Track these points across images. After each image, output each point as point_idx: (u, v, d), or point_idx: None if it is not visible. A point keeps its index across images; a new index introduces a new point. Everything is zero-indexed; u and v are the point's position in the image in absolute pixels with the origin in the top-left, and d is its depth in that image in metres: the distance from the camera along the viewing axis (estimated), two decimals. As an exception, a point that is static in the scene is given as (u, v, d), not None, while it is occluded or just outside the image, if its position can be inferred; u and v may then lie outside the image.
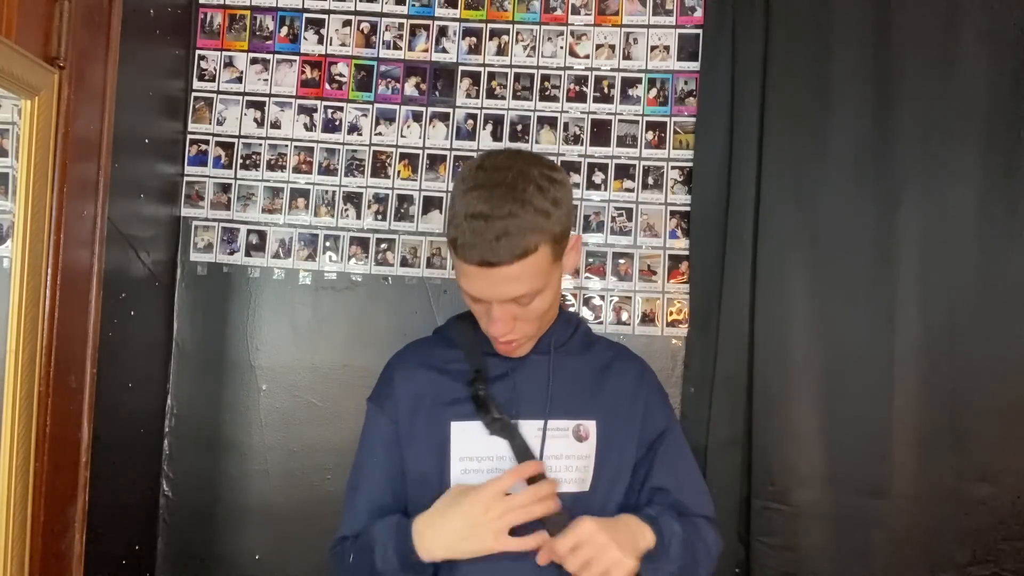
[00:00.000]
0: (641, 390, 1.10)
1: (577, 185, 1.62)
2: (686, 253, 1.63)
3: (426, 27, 1.67)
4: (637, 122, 1.65)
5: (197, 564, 1.62)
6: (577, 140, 1.64)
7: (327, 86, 1.67)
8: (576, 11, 1.66)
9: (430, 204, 1.65)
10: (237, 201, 1.66)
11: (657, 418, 1.10)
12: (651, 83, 1.65)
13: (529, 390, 1.04)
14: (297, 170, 1.66)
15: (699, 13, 1.64)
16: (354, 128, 1.66)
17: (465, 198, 0.95)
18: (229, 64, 1.68)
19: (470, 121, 1.66)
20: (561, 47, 1.66)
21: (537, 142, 1.65)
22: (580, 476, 1.04)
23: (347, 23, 1.67)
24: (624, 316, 1.63)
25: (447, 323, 1.17)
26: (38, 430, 1.15)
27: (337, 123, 1.67)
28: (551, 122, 1.65)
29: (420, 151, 1.66)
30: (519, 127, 1.65)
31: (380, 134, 1.66)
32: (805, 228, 1.58)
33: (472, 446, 0.97)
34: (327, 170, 1.66)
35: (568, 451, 1.03)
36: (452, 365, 1.08)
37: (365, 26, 1.67)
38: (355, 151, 1.66)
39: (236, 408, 1.65)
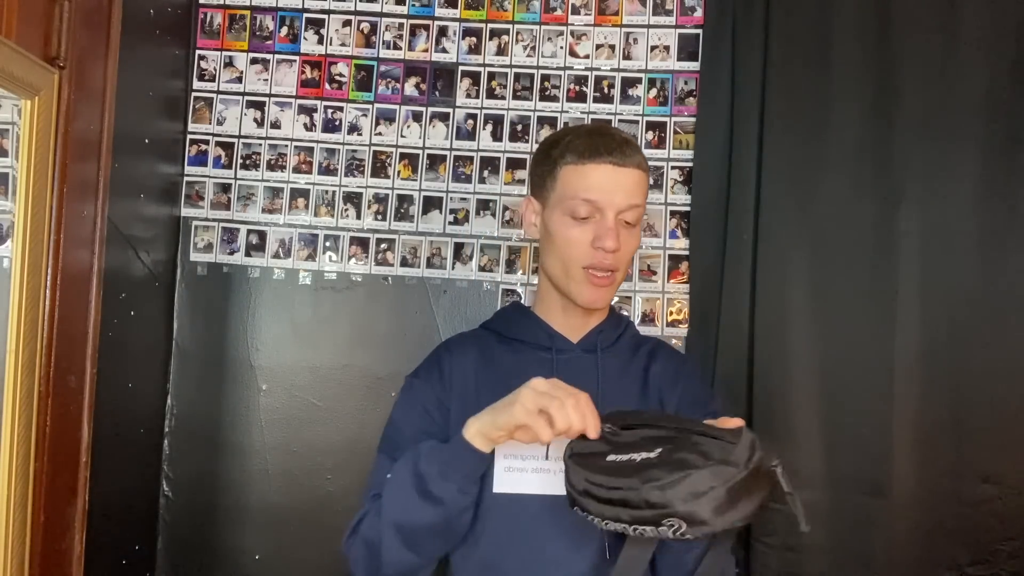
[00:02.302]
0: (678, 384, 1.11)
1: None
2: (686, 253, 1.63)
3: (426, 27, 1.67)
4: (637, 122, 1.65)
5: (197, 564, 1.62)
6: (577, 140, 1.65)
7: (327, 86, 1.67)
8: (576, 11, 1.66)
9: (430, 204, 1.66)
10: (237, 201, 1.67)
11: (695, 406, 1.09)
12: (651, 83, 1.65)
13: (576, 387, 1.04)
14: (297, 170, 1.67)
15: (699, 13, 1.64)
16: (354, 128, 1.67)
17: (579, 129, 1.07)
18: (229, 64, 1.68)
19: (470, 121, 1.66)
20: (561, 47, 1.66)
21: (537, 142, 1.63)
22: None
23: (347, 23, 1.67)
24: (624, 314, 1.62)
25: (496, 317, 1.20)
26: (38, 430, 1.15)
27: (337, 123, 1.67)
28: (551, 122, 1.65)
29: (420, 151, 1.66)
30: (519, 127, 1.66)
31: (380, 134, 1.66)
32: (805, 228, 1.57)
33: (517, 445, 0.96)
34: (327, 170, 1.66)
35: None
36: (503, 358, 1.08)
37: (365, 26, 1.67)
38: (355, 151, 1.66)
39: (236, 408, 1.64)
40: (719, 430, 0.82)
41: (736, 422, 0.83)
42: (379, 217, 1.66)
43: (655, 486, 0.76)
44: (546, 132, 1.65)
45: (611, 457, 0.84)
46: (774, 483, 0.79)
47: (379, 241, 1.65)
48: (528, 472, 1.02)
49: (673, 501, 0.75)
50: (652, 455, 0.81)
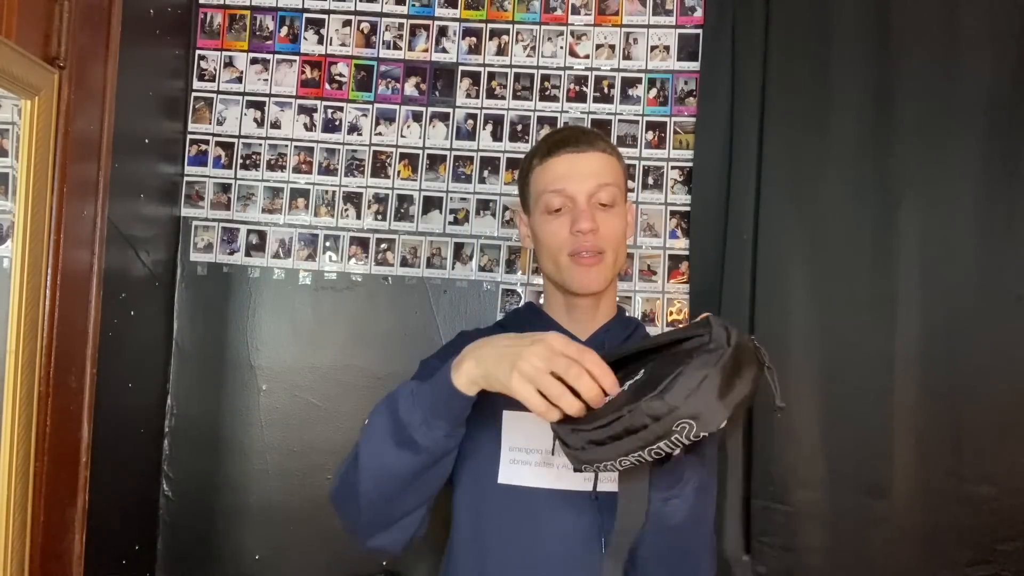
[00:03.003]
0: None
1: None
2: (686, 253, 1.63)
3: (426, 27, 1.67)
4: (637, 122, 1.65)
5: (197, 564, 1.63)
6: (577, 140, 1.65)
7: (327, 86, 1.67)
8: (576, 11, 1.66)
9: (430, 204, 1.66)
10: (237, 201, 1.67)
11: None
12: (651, 83, 1.65)
13: None
14: (297, 170, 1.67)
15: (699, 13, 1.64)
16: (354, 128, 1.67)
17: (548, 134, 1.14)
18: (229, 64, 1.68)
19: (470, 121, 1.66)
20: (561, 47, 1.66)
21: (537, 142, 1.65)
22: None
23: (347, 23, 1.67)
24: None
25: (508, 316, 1.24)
26: (38, 430, 1.15)
27: (337, 123, 1.67)
28: (551, 122, 1.66)
29: (420, 151, 1.67)
30: (519, 127, 1.66)
31: (380, 134, 1.67)
32: (805, 228, 1.57)
33: (522, 437, 0.96)
34: (327, 170, 1.67)
35: None
36: None
37: (365, 26, 1.67)
38: (355, 151, 1.67)
39: (236, 408, 1.65)
40: (688, 328, 0.82)
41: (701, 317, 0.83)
42: (379, 217, 1.66)
43: (651, 398, 0.75)
44: (546, 132, 1.63)
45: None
46: (760, 359, 0.79)
47: (379, 241, 1.66)
48: (533, 465, 1.03)
49: (674, 405, 0.74)
50: (639, 377, 0.81)
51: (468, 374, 0.86)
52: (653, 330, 1.62)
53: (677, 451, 0.78)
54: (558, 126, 1.65)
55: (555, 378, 0.79)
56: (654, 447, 0.76)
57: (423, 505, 0.98)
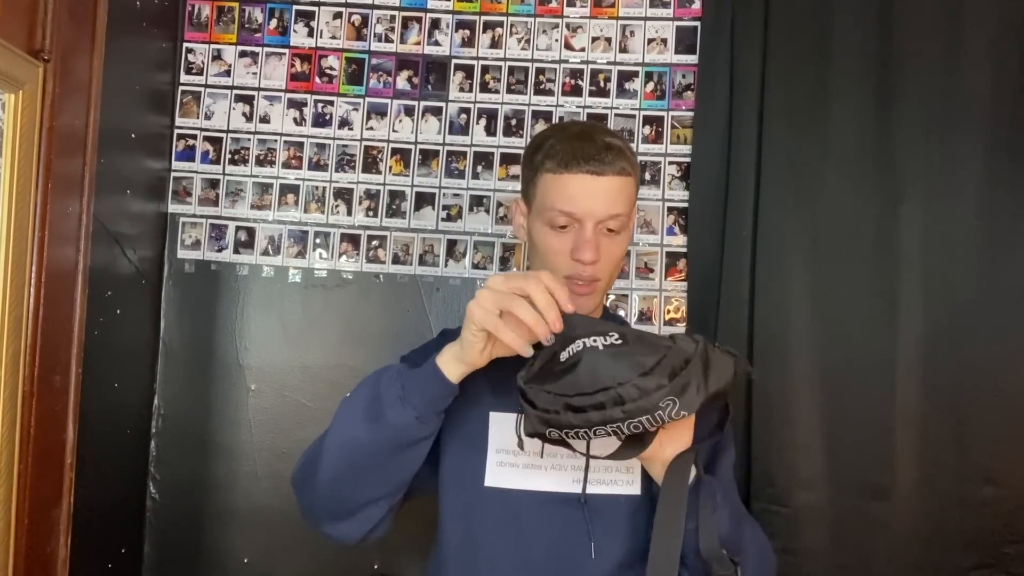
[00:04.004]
0: None
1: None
2: (684, 250, 1.65)
3: (418, 19, 1.68)
4: (634, 116, 1.66)
5: (184, 567, 1.64)
6: (573, 135, 1.66)
7: (317, 80, 1.69)
8: (572, 3, 1.67)
9: (422, 200, 1.67)
10: (225, 197, 1.68)
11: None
12: (648, 77, 1.67)
13: None
14: (286, 165, 1.68)
15: (697, 5, 1.65)
16: (345, 122, 1.68)
17: (563, 132, 1.07)
18: (217, 57, 1.69)
19: (463, 115, 1.68)
20: (556, 40, 1.67)
21: (531, 137, 1.64)
22: (628, 478, 1.05)
23: (338, 15, 1.69)
24: (621, 314, 1.63)
25: None
26: (22, 431, 1.16)
27: (327, 117, 1.68)
28: (546, 116, 1.67)
29: (412, 146, 1.68)
30: (513, 121, 1.67)
31: (371, 128, 1.68)
32: (806, 225, 1.58)
33: (510, 439, 0.96)
34: (317, 165, 1.68)
35: None
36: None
37: (356, 18, 1.69)
38: (346, 146, 1.68)
39: (224, 409, 1.66)
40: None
41: None
42: (370, 213, 1.67)
43: (642, 375, 0.82)
44: (541, 127, 1.66)
45: (564, 354, 0.86)
46: (731, 353, 0.87)
47: (370, 238, 1.67)
48: (520, 467, 1.04)
49: (662, 382, 0.81)
50: (615, 340, 0.85)
51: (449, 352, 0.92)
52: (649, 329, 1.63)
53: (654, 428, 0.85)
54: (553, 121, 1.66)
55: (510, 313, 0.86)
56: (634, 420, 0.82)
57: (385, 499, 0.98)
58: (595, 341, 0.84)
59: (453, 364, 0.92)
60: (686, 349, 0.84)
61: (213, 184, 1.68)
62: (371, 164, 1.68)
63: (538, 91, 1.67)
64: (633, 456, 0.92)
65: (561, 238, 1.04)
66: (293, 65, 1.69)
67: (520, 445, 0.92)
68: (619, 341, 0.84)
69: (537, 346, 0.89)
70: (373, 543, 1.04)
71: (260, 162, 1.68)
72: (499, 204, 1.67)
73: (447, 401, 0.94)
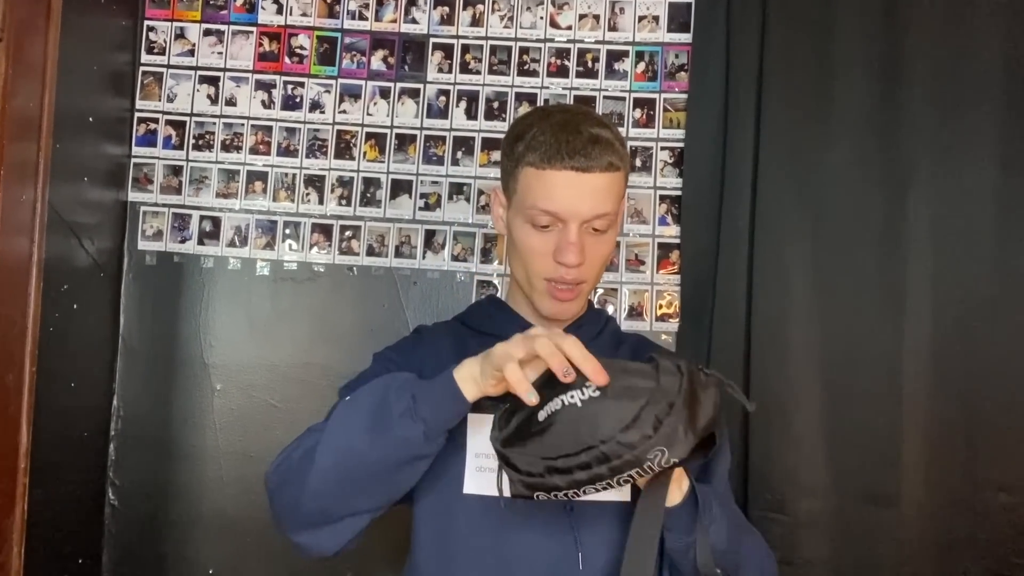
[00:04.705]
0: None
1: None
2: (677, 241, 1.68)
3: (394, -5, 1.72)
4: (623, 99, 1.71)
5: (145, 579, 1.67)
6: (559, 118, 1.70)
7: (287, 60, 1.73)
8: (558, -22, 1.71)
9: (398, 188, 1.72)
10: (189, 185, 1.72)
11: None
12: (639, 56, 1.71)
13: None
14: (254, 151, 1.72)
15: (691, -20, 1.69)
16: (316, 105, 1.72)
17: (546, 120, 1.06)
18: (180, 36, 1.74)
19: (442, 98, 1.72)
20: (541, 17, 1.72)
21: (512, 122, 1.68)
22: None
23: (309, -9, 1.73)
24: (610, 309, 1.68)
25: (468, 311, 1.24)
26: (-28, 432, 1.18)
27: (297, 100, 1.73)
28: (530, 99, 1.71)
29: (388, 130, 1.72)
30: (495, 104, 1.72)
31: (344, 112, 1.72)
32: (807, 214, 1.61)
33: (489, 442, 0.94)
34: (287, 151, 1.72)
35: None
36: (478, 350, 1.07)
37: (328, -6, 1.73)
38: (317, 130, 1.72)
39: (188, 410, 1.70)
40: (635, 363, 0.91)
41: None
42: (343, 202, 1.72)
43: (625, 429, 0.84)
44: (525, 110, 1.70)
45: (542, 414, 0.88)
46: (715, 380, 0.89)
47: (343, 228, 1.71)
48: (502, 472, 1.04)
49: (648, 433, 0.84)
50: (592, 392, 0.87)
51: (468, 370, 0.91)
52: (641, 325, 1.69)
53: (645, 477, 0.87)
54: (538, 103, 1.70)
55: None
56: (623, 475, 0.85)
57: (369, 513, 0.98)
58: (572, 397, 0.87)
59: (471, 384, 0.91)
60: (669, 389, 0.85)
61: (176, 171, 1.73)
62: (344, 150, 1.72)
63: (522, 72, 1.72)
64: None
65: (543, 238, 1.05)
66: (261, 44, 1.73)
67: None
68: (597, 393, 0.86)
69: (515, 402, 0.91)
70: (343, 555, 1.04)
71: (226, 147, 1.73)
72: (480, 192, 1.71)
73: (458, 419, 0.94)
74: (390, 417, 0.92)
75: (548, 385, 0.88)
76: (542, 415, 0.88)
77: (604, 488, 0.87)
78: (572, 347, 0.85)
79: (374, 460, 0.93)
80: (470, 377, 0.91)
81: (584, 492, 0.87)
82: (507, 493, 0.91)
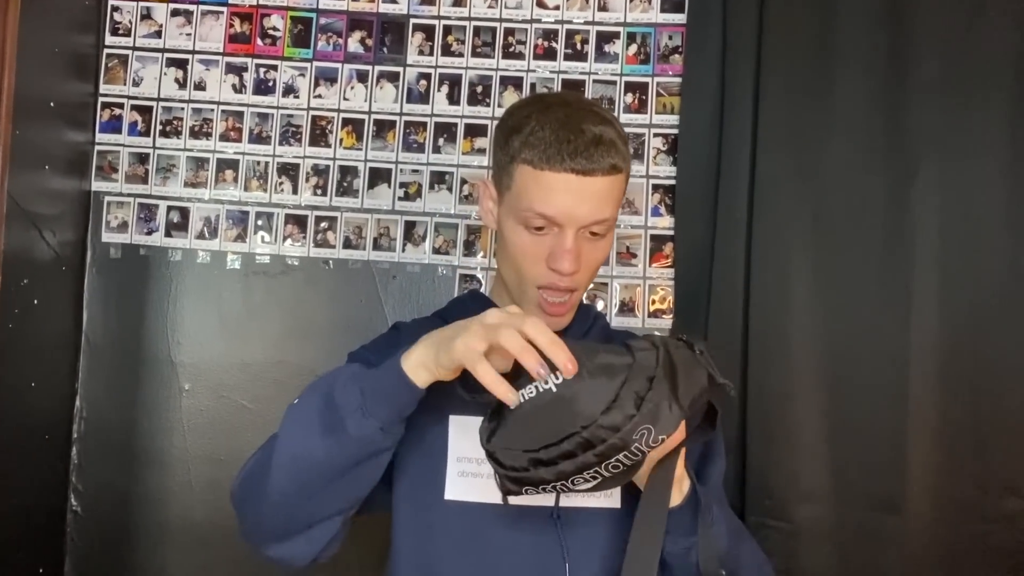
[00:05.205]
0: None
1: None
2: (671, 233, 1.71)
3: (373, -27, 1.74)
4: (614, 83, 1.73)
5: (110, 589, 1.69)
6: (546, 103, 1.72)
7: (259, 42, 1.75)
8: (545, -45, 1.73)
9: (377, 177, 1.74)
10: (156, 173, 1.75)
11: None
12: (630, 38, 1.73)
13: None
14: (225, 138, 1.75)
15: (686, -43, 1.71)
16: (290, 90, 1.75)
17: (546, 115, 1.05)
18: (147, 16, 1.76)
19: (423, 82, 1.74)
20: (528, -4, 1.74)
21: (500, 105, 1.72)
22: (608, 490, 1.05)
23: (282, -31, 1.75)
24: (600, 305, 1.71)
25: (450, 306, 1.26)
26: (-74, 434, 1.19)
27: (270, 84, 1.75)
28: (516, 83, 1.73)
29: (365, 116, 1.74)
30: (479, 88, 1.74)
31: (320, 96, 1.75)
32: (808, 205, 1.63)
33: (473, 445, 0.95)
34: (259, 138, 1.74)
35: None
36: None
37: (303, -28, 1.74)
38: (291, 116, 1.75)
39: (155, 411, 1.72)
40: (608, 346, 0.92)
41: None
42: (318, 192, 1.74)
43: (606, 411, 0.84)
44: (510, 95, 1.73)
45: (521, 399, 0.88)
46: (690, 345, 0.90)
47: (319, 219, 1.74)
48: (484, 477, 1.04)
49: (630, 412, 0.84)
50: (566, 376, 0.87)
51: (419, 357, 0.91)
52: (632, 321, 1.71)
53: (636, 461, 0.87)
54: (524, 87, 1.72)
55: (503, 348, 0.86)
56: (612, 461, 0.86)
57: (339, 515, 0.99)
58: (546, 382, 0.86)
59: (422, 372, 0.91)
60: (647, 364, 0.86)
61: (142, 159, 1.75)
62: (319, 136, 1.74)
63: (507, 54, 1.74)
64: (621, 484, 0.95)
65: (536, 241, 1.06)
66: (232, 25, 1.76)
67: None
68: (574, 378, 0.86)
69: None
70: (323, 562, 1.05)
71: (195, 134, 1.75)
72: (463, 181, 1.73)
73: (413, 407, 0.94)
74: (341, 417, 0.92)
75: (515, 370, 0.88)
76: (522, 402, 0.87)
77: (594, 478, 0.87)
78: (538, 333, 0.85)
79: (332, 464, 0.94)
80: (421, 364, 0.91)
81: (574, 484, 0.87)
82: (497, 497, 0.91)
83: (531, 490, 0.89)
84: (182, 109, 1.76)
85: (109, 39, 1.76)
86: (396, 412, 0.93)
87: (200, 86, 1.76)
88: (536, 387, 0.87)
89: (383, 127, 1.75)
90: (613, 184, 1.05)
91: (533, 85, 1.74)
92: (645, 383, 0.85)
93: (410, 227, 1.74)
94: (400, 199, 1.74)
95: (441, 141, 1.74)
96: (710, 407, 0.95)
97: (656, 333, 1.66)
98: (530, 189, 1.04)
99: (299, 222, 1.74)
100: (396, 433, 0.95)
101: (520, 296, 1.11)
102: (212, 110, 1.76)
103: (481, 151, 1.74)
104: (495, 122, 1.66)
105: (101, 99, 1.76)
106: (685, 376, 0.87)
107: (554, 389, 0.86)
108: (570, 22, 1.75)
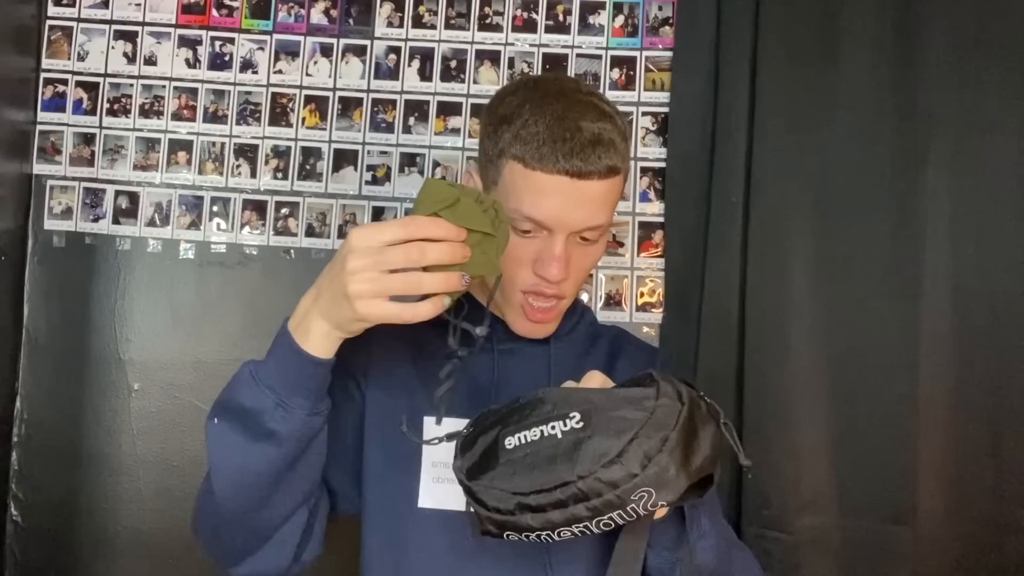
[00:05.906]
0: None
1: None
2: (661, 220, 1.67)
3: (338, -62, 1.71)
4: (599, 57, 1.69)
5: (52, 604, 1.66)
6: (526, 80, 1.68)
7: (214, 12, 1.71)
8: (524, -82, 1.70)
9: (342, 159, 1.69)
10: (103, 155, 1.70)
11: None
12: (617, 9, 1.69)
13: (523, 389, 1.02)
14: (177, 117, 1.71)
15: (676, -79, 1.68)
16: (248, 65, 1.71)
17: (540, 106, 1.00)
18: None
19: (392, 56, 1.70)
20: (505, -37, 1.70)
21: (475, 82, 1.69)
22: None
23: (240, -67, 1.71)
24: (584, 297, 1.63)
25: None
26: None
27: (227, 59, 1.71)
28: (493, 57, 1.69)
29: (330, 93, 1.70)
30: (453, 63, 1.69)
31: (280, 72, 1.71)
32: (808, 190, 1.60)
33: (449, 449, 0.94)
34: (214, 117, 1.70)
35: None
36: (434, 342, 1.06)
37: (262, -63, 1.71)
38: (249, 93, 1.71)
39: (102, 413, 1.67)
40: (629, 383, 0.87)
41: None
42: (279, 175, 1.69)
43: (608, 463, 0.80)
44: (486, 71, 1.68)
45: (510, 441, 0.85)
46: (715, 412, 0.85)
47: (279, 205, 1.69)
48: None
49: (634, 471, 0.79)
50: (576, 423, 0.83)
51: (318, 330, 0.89)
52: (620, 315, 1.66)
53: (628, 521, 0.83)
54: (501, 63, 1.68)
55: (398, 272, 0.83)
56: (604, 518, 0.81)
57: (298, 508, 0.98)
58: (553, 428, 0.83)
59: (325, 341, 0.89)
60: (665, 422, 0.81)
61: (88, 140, 1.70)
62: (280, 115, 1.70)
63: (483, 27, 1.69)
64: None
65: (523, 244, 1.02)
66: (186, -6, 1.72)
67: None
68: (580, 424, 0.83)
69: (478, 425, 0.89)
70: (305, 567, 1.03)
71: (145, 113, 1.71)
72: (436, 164, 1.69)
73: (329, 378, 0.93)
74: (263, 421, 0.90)
75: (518, 412, 0.86)
76: (510, 442, 0.85)
77: (582, 532, 0.83)
78: (433, 227, 0.83)
79: (274, 466, 0.93)
80: (322, 335, 0.89)
81: (560, 535, 0.84)
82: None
83: (513, 536, 0.85)
84: (131, 86, 1.72)
85: (52, 9, 1.72)
86: (315, 392, 0.92)
87: (151, 61, 1.72)
88: (541, 431, 0.84)
89: (349, 105, 1.70)
90: (610, 187, 1.00)
91: (512, 60, 1.69)
92: (658, 443, 0.80)
93: (378, 213, 1.69)
94: (367, 183, 1.69)
95: (412, 120, 1.70)
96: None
97: (645, 328, 1.67)
98: (519, 189, 1.00)
99: (258, 208, 1.70)
100: (323, 409, 0.94)
101: (503, 301, 1.07)
102: (163, 87, 1.72)
103: (455, 131, 1.70)
104: (470, 100, 1.67)
105: (43, 75, 1.72)
106: (699, 444, 0.82)
107: (559, 436, 0.83)
108: (552, -9, 1.71)
